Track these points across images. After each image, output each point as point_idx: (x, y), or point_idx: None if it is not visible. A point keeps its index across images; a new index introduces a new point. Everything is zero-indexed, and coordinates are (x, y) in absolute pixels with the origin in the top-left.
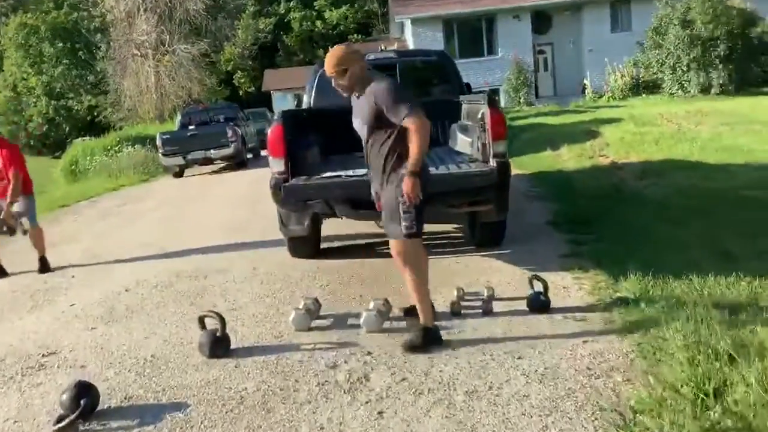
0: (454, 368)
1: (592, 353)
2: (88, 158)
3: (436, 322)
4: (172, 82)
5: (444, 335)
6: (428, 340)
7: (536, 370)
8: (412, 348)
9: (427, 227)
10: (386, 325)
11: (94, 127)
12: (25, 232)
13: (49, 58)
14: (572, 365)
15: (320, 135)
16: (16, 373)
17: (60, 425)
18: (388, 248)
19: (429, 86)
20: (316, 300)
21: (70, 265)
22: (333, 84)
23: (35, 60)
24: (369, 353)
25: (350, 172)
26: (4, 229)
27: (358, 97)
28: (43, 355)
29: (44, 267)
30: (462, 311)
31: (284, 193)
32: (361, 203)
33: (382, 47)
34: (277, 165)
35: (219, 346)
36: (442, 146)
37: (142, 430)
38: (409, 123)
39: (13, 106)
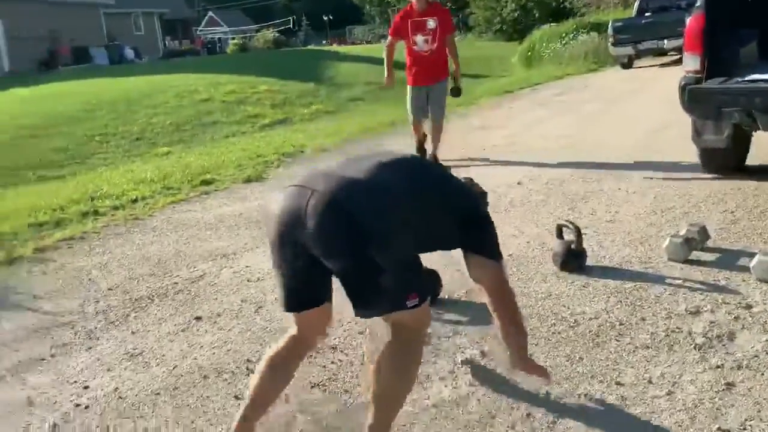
0: None
1: None
2: (543, 45)
3: None
4: None
5: None
6: None
7: None
8: None
9: None
10: None
11: (561, 13)
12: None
13: None
14: None
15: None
16: None
17: None
18: None
19: None
20: (704, 228)
21: (483, 150)
22: None
23: None
24: (748, 307)
25: None
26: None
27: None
28: None
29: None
30: None
31: (688, 97)
32: None
33: None
34: (690, 62)
35: (572, 259)
36: None
37: (475, 332)
38: None
39: None
